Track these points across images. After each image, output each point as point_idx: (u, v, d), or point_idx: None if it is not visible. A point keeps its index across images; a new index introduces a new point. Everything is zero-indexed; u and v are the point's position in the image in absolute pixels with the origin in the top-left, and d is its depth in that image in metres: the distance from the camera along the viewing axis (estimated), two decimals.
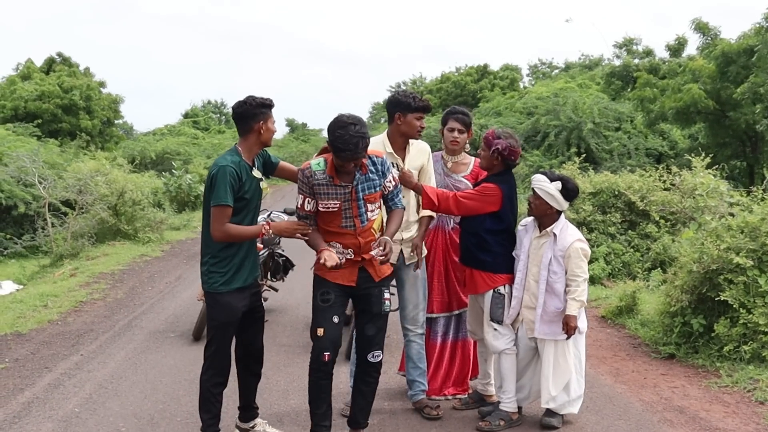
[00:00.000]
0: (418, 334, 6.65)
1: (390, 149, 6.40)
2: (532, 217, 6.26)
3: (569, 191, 6.03)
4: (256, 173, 5.68)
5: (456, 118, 6.84)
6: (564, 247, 5.97)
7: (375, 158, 5.60)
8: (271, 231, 5.52)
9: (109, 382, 7.61)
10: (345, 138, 5.23)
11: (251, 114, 5.58)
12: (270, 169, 5.96)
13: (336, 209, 5.46)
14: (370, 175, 5.54)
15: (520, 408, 6.41)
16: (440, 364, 6.97)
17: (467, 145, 6.91)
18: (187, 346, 8.88)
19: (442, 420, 6.51)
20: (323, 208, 5.47)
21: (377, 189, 5.58)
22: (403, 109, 6.31)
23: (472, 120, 6.98)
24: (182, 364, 8.18)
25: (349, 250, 5.55)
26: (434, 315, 6.90)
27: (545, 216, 6.09)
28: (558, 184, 5.97)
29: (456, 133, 6.78)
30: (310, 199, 5.51)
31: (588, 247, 6.13)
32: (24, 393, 7.28)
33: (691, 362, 8.10)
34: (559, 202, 5.99)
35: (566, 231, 6.06)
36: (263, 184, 5.78)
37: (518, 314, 6.22)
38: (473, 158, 6.99)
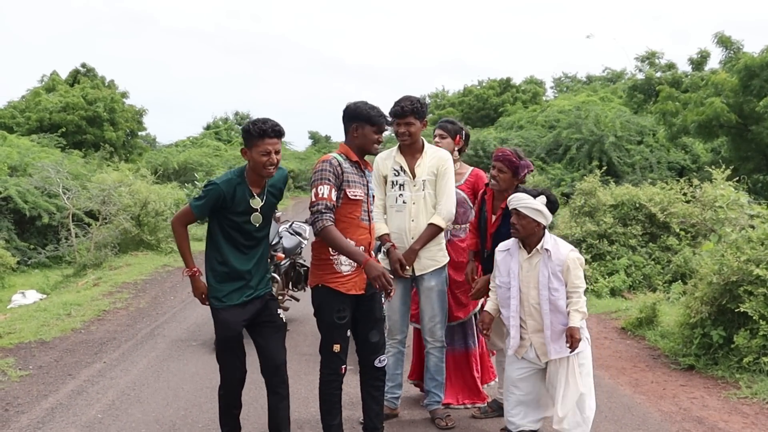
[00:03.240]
0: (436, 347, 6.68)
1: (395, 153, 6.54)
2: (512, 240, 5.94)
3: (553, 204, 5.79)
4: (255, 203, 5.43)
5: (438, 125, 7.12)
6: (561, 261, 5.69)
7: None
8: (187, 276, 5.61)
9: (132, 389, 7.69)
10: (374, 107, 5.57)
11: (243, 138, 5.41)
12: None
13: (362, 198, 5.51)
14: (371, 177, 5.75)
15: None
16: (455, 374, 7.00)
17: (457, 153, 6.98)
18: (209, 355, 8.93)
19: (461, 429, 6.56)
20: (352, 196, 5.46)
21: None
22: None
23: (461, 127, 7.12)
24: (204, 372, 8.25)
25: (361, 248, 5.52)
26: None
27: (533, 235, 5.76)
28: (543, 199, 5.72)
29: (438, 139, 6.95)
30: (335, 189, 5.39)
31: (581, 256, 5.90)
32: (48, 399, 7.37)
33: (711, 373, 8.10)
34: (546, 217, 5.73)
35: (558, 244, 5.80)
36: (256, 217, 5.45)
37: (520, 342, 5.88)
38: (470, 168, 7.14)
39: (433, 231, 6.45)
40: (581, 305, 5.65)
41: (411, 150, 6.49)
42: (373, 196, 5.71)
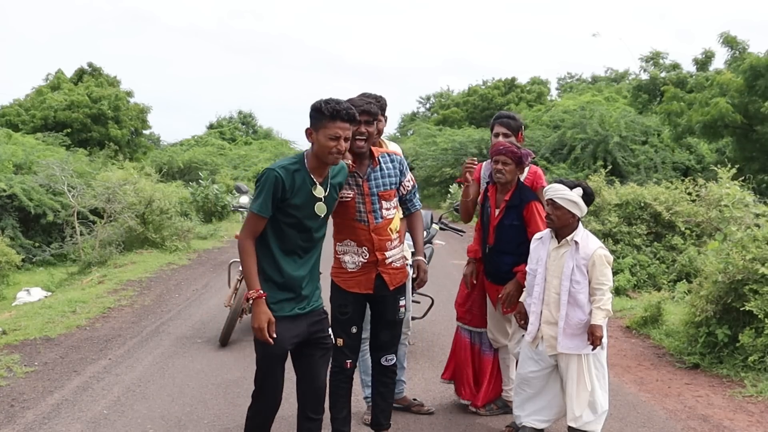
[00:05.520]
0: (408, 336, 6.83)
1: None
2: (547, 230, 5.97)
3: (589, 196, 5.79)
4: (318, 192, 4.83)
5: (501, 122, 6.76)
6: (587, 255, 5.69)
7: (393, 156, 5.63)
8: (250, 304, 4.75)
9: (137, 385, 7.70)
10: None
11: (310, 117, 4.81)
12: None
13: (349, 199, 5.39)
14: (385, 170, 5.51)
15: (541, 431, 6.14)
16: (491, 376, 6.91)
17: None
18: (214, 352, 8.95)
19: (466, 426, 6.60)
20: (339, 197, 5.32)
21: (393, 186, 5.54)
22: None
23: (522, 123, 6.87)
24: (209, 369, 8.26)
25: (364, 248, 5.47)
26: (483, 329, 6.87)
27: (567, 226, 5.78)
28: (579, 191, 5.70)
29: (501, 138, 6.65)
30: None
31: (610, 255, 5.89)
32: (53, 395, 7.37)
33: (716, 372, 8.11)
34: (582, 209, 5.73)
35: (587, 238, 5.80)
36: (320, 207, 4.87)
37: (538, 330, 5.92)
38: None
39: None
40: (605, 303, 5.62)
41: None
42: (378, 195, 5.58)
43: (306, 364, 5.06)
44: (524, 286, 6.20)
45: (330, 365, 5.50)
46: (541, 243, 5.96)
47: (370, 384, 6.44)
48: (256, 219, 4.71)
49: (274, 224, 4.75)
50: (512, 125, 6.74)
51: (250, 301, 4.72)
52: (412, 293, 6.72)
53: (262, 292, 4.71)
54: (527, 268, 6.07)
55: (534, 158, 6.39)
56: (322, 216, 4.89)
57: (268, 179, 4.65)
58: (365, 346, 6.26)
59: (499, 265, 6.45)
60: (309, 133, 4.79)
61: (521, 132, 6.82)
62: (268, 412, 5.04)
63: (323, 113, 4.69)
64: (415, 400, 6.96)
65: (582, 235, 5.76)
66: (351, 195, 5.43)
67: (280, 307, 4.80)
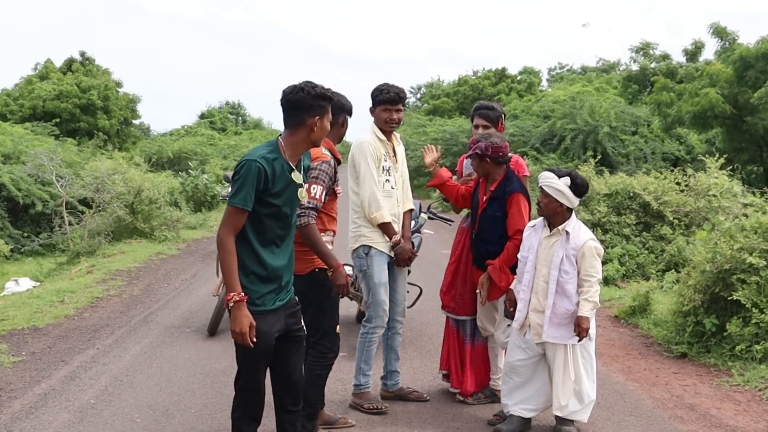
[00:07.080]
0: (402, 325, 6.85)
1: (382, 137, 6.39)
2: (541, 218, 6.01)
3: (579, 187, 5.78)
4: (297, 177, 4.67)
5: (480, 114, 6.85)
6: (577, 246, 5.73)
7: None
8: (229, 308, 4.45)
9: (125, 375, 7.69)
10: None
11: (307, 105, 4.63)
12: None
13: (340, 192, 5.65)
14: None
15: (529, 420, 6.14)
16: (474, 365, 6.89)
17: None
18: (202, 341, 8.94)
19: (453, 415, 6.59)
20: (339, 192, 5.62)
21: None
22: (374, 104, 6.43)
23: (501, 113, 6.91)
24: (197, 358, 8.25)
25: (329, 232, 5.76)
26: (465, 317, 6.86)
27: (555, 215, 5.82)
28: (567, 180, 5.72)
29: (480, 130, 6.74)
30: (326, 191, 5.47)
31: (601, 247, 5.91)
32: (41, 385, 7.36)
33: (703, 361, 8.13)
34: (570, 199, 5.74)
35: (579, 229, 5.83)
36: (302, 193, 4.78)
37: (526, 318, 5.96)
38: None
39: (410, 215, 6.62)
40: (592, 295, 5.65)
41: (389, 135, 6.48)
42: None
43: (283, 358, 4.87)
44: (494, 279, 6.24)
45: (325, 357, 5.64)
46: (534, 231, 6.01)
47: (367, 372, 6.58)
48: (239, 213, 4.48)
49: (253, 216, 4.54)
50: (491, 116, 6.83)
51: (230, 305, 4.45)
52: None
53: (243, 294, 4.47)
54: (519, 255, 6.11)
55: (481, 151, 6.30)
56: (300, 201, 4.83)
57: (251, 171, 4.44)
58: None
59: (482, 253, 6.47)
60: (314, 122, 4.68)
61: (501, 121, 6.87)
62: (252, 414, 4.84)
63: (330, 99, 4.83)
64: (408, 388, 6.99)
65: (574, 225, 5.79)
66: (340, 189, 5.64)
67: (263, 301, 4.62)
